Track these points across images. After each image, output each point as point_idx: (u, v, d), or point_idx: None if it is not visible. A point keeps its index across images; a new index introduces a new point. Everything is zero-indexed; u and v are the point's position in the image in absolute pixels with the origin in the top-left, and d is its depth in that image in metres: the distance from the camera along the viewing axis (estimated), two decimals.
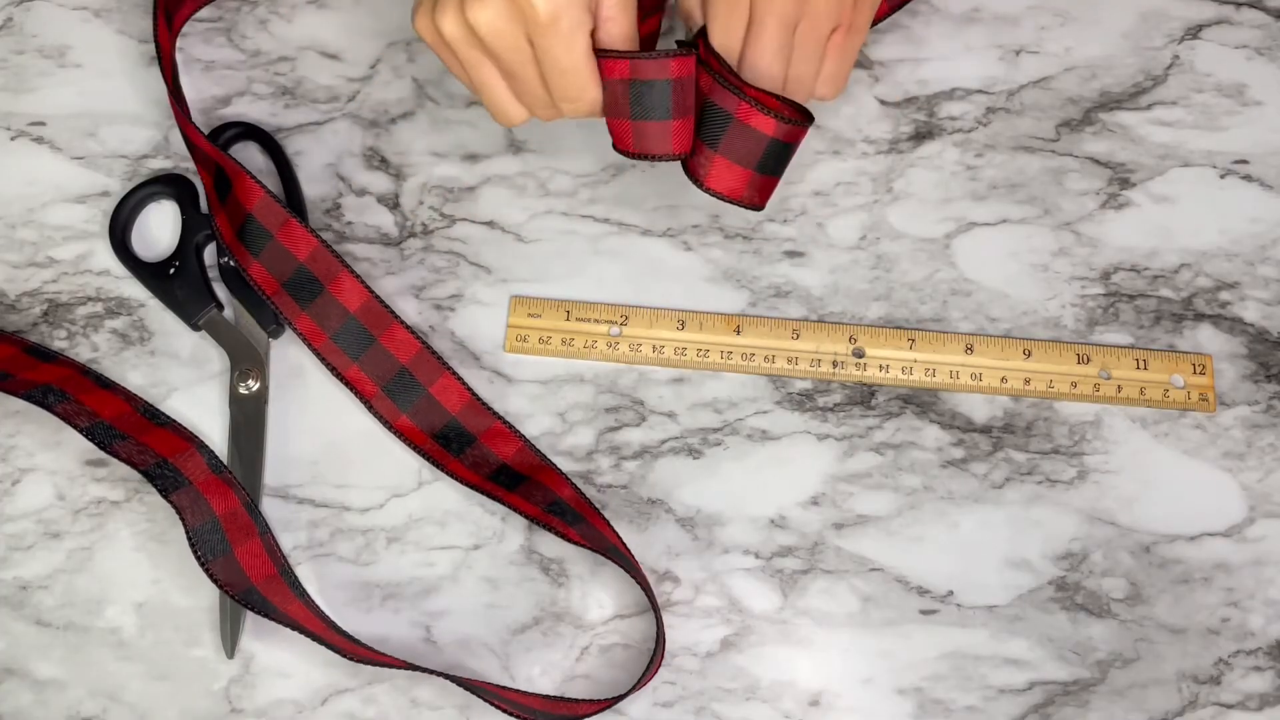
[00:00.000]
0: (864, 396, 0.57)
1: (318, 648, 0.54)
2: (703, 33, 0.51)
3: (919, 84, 0.61)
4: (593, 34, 0.47)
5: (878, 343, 0.57)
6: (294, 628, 0.51)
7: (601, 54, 0.48)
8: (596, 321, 0.57)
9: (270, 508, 0.55)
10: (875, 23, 0.59)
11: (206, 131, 0.59)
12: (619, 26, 0.47)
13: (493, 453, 0.55)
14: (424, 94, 0.61)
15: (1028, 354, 0.56)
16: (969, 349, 0.56)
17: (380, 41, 0.62)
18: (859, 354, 0.56)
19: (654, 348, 0.57)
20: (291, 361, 0.57)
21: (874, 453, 0.56)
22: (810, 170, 0.60)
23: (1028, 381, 0.56)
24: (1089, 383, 0.56)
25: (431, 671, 0.51)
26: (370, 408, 0.55)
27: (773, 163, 0.51)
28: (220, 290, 0.58)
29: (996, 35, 0.62)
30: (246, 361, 0.56)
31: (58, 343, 0.57)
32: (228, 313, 0.57)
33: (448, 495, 0.55)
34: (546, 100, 0.49)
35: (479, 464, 0.55)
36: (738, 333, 0.57)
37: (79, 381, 0.55)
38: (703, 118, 0.50)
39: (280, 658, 0.54)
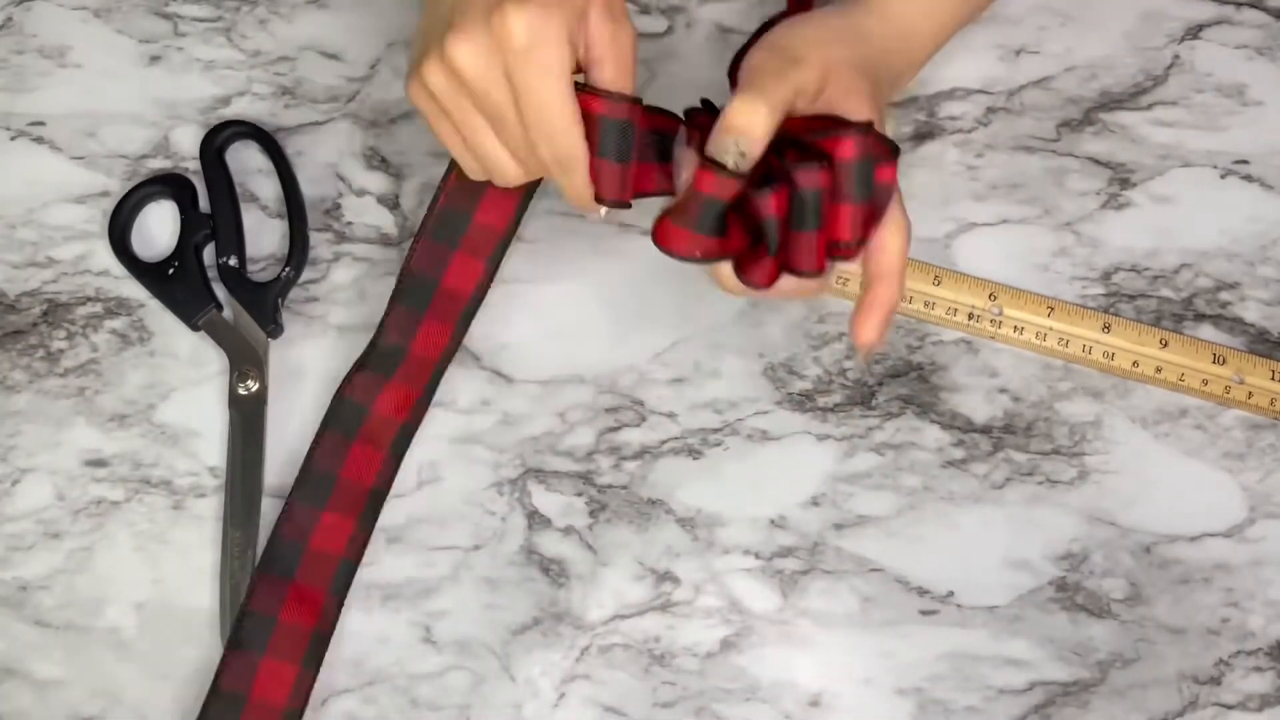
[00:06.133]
0: (864, 396, 0.57)
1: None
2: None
3: (919, 84, 0.61)
4: (585, 79, 0.45)
5: (1017, 304, 0.57)
6: None
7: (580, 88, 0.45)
8: None
9: (270, 508, 0.55)
10: None
11: (206, 131, 0.59)
12: (611, 68, 0.45)
13: None
14: None
15: (1164, 344, 0.56)
16: (1106, 328, 0.56)
17: (380, 41, 0.62)
18: (998, 311, 0.56)
19: None
20: (291, 361, 0.57)
21: (874, 453, 0.56)
22: None
23: (1159, 370, 0.56)
24: (1220, 383, 0.56)
25: None
26: None
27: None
28: (220, 290, 0.57)
29: (996, 35, 0.62)
30: (246, 361, 0.56)
31: (57, 343, 0.57)
32: (227, 313, 0.57)
33: (448, 495, 0.55)
34: (529, 146, 0.46)
35: None
36: None
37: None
38: None
39: None
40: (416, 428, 0.55)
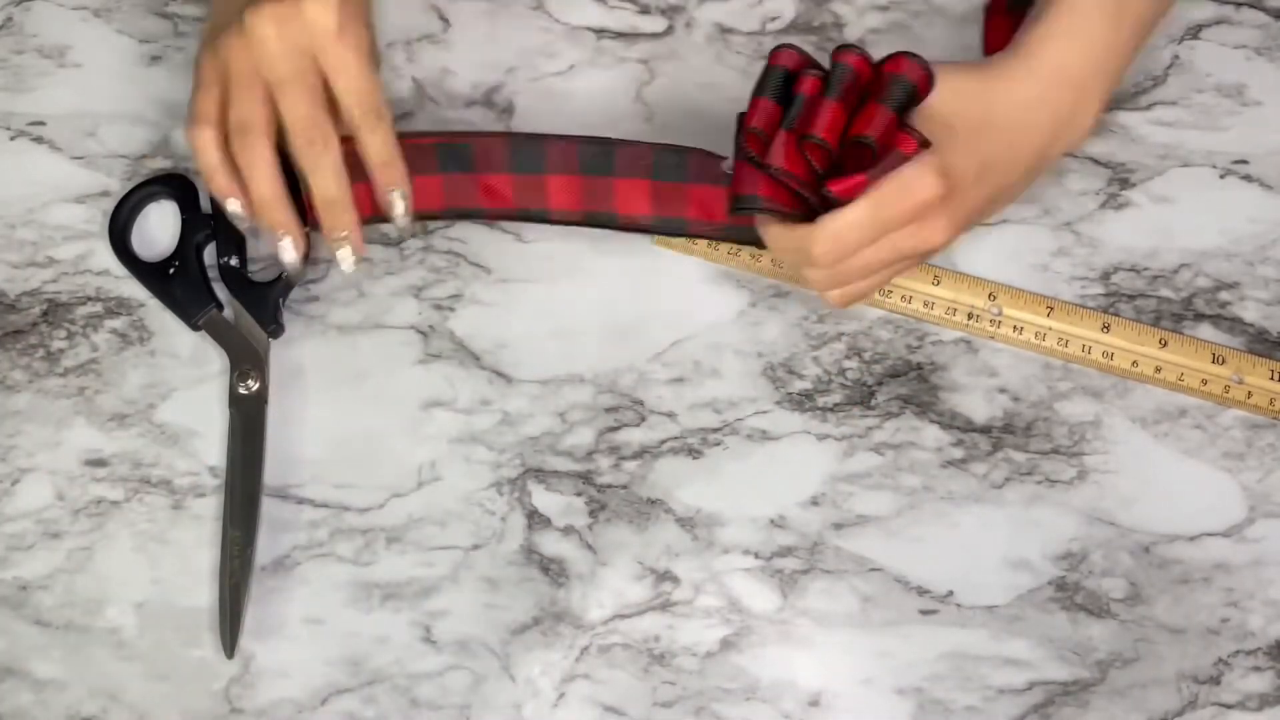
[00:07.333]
0: (864, 396, 0.57)
1: (317, 648, 0.54)
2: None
3: None
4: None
5: (1017, 304, 0.57)
6: None
7: None
8: None
9: (270, 508, 0.55)
10: None
11: None
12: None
13: None
14: (424, 94, 0.61)
15: (1163, 344, 0.56)
16: (1105, 328, 0.56)
17: (380, 41, 0.62)
18: (997, 311, 0.56)
19: None
20: (291, 361, 0.57)
21: (874, 453, 0.56)
22: None
23: (1158, 370, 0.56)
24: (1219, 383, 0.56)
25: None
26: None
27: None
28: (220, 290, 0.57)
29: None
30: (246, 361, 0.56)
31: (57, 343, 0.57)
32: (228, 313, 0.57)
33: (448, 495, 0.55)
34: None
35: None
36: None
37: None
38: None
39: (280, 658, 0.54)
40: None
